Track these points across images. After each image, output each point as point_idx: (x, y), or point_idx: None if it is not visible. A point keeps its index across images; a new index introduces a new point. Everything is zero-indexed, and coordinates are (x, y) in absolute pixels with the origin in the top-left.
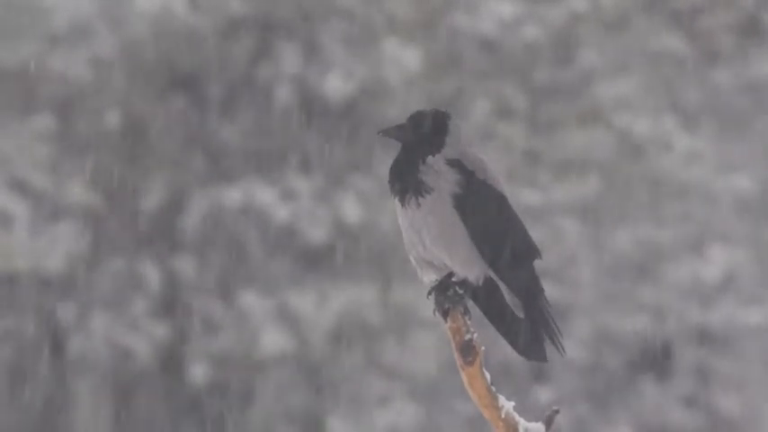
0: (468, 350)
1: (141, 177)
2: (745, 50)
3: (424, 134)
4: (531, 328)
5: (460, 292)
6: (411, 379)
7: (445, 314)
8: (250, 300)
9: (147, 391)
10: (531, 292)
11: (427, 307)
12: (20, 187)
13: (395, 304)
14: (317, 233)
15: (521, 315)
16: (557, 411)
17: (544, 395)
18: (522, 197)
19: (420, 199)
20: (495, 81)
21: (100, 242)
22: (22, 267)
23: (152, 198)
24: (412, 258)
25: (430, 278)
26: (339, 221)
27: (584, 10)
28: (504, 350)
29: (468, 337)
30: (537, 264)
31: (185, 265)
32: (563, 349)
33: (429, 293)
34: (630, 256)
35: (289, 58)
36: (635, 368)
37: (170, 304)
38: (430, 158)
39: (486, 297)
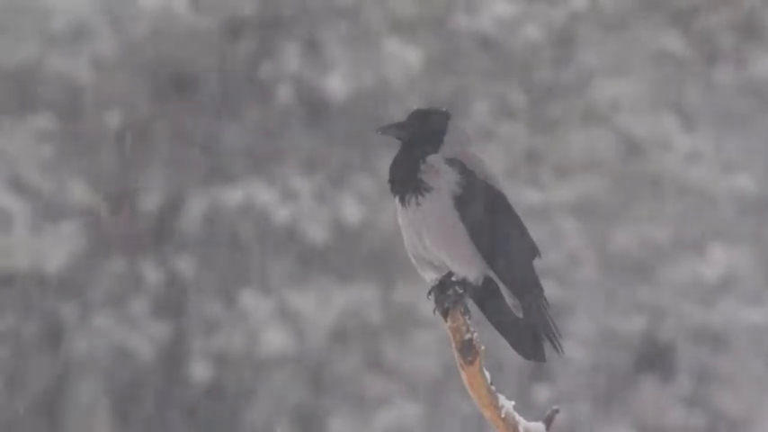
0: (468, 350)
1: (141, 177)
2: (745, 50)
3: (423, 133)
4: (529, 328)
5: (460, 291)
6: (411, 379)
7: (445, 313)
8: (250, 299)
9: (147, 391)
10: (530, 292)
11: (427, 307)
12: (20, 187)
13: (395, 304)
14: (317, 233)
15: (519, 315)
16: (557, 411)
17: (544, 394)
18: (523, 197)
19: (420, 198)
20: (495, 81)
21: (100, 242)
22: (22, 267)
23: (152, 198)
24: (412, 258)
25: (430, 277)
26: (339, 221)
27: (584, 10)
28: (504, 350)
29: (468, 336)
30: (537, 264)
31: (185, 265)
32: (561, 349)
33: (429, 293)
34: (630, 256)
35: (289, 58)
36: (635, 368)
37: (170, 304)
38: (430, 157)
39: (485, 297)
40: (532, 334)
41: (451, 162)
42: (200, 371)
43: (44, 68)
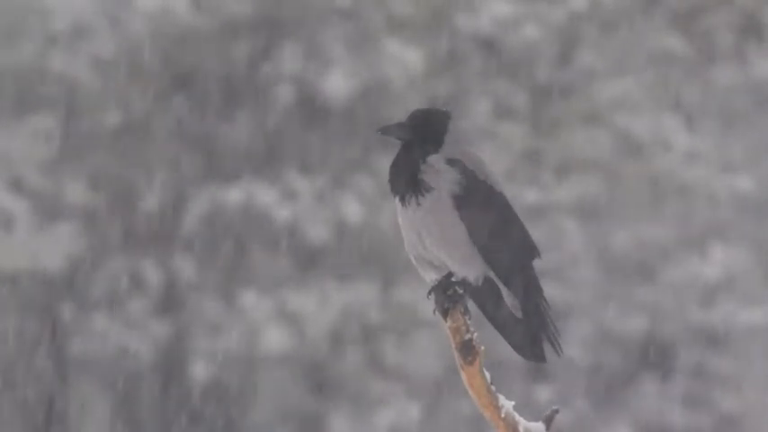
0: (467, 350)
1: (141, 177)
2: (745, 50)
3: (424, 133)
4: (529, 329)
5: (460, 291)
6: (411, 379)
7: (445, 314)
8: (250, 299)
9: (147, 391)
10: (529, 293)
11: (427, 307)
12: (20, 187)
13: (395, 304)
14: (317, 233)
15: (519, 315)
16: (557, 411)
17: (544, 395)
18: (522, 197)
19: (420, 198)
20: (495, 81)
21: (100, 242)
22: (23, 267)
23: (152, 198)
24: (412, 258)
25: (430, 277)
26: (339, 221)
27: (584, 10)
28: (504, 349)
29: (467, 336)
30: (537, 264)
31: (185, 265)
32: (560, 349)
33: (429, 293)
34: (630, 256)
35: (289, 58)
36: (635, 368)
37: (170, 304)
38: (430, 158)
39: (485, 297)
40: (532, 334)
41: (452, 162)
42: (200, 371)
43: (44, 68)
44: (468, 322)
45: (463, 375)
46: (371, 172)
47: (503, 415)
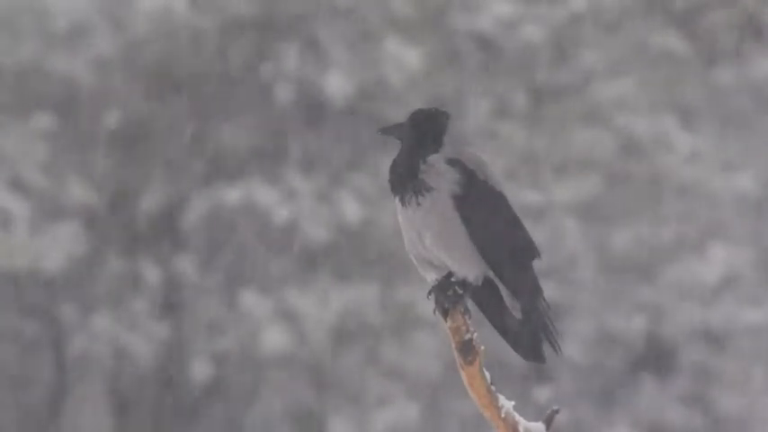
0: (467, 350)
1: (141, 177)
2: (746, 50)
3: (424, 133)
4: (528, 329)
5: (460, 291)
6: (411, 379)
7: (445, 314)
8: (250, 299)
9: (148, 392)
10: (529, 293)
11: (427, 307)
12: (20, 187)
13: (395, 304)
14: (317, 233)
15: (518, 315)
16: (557, 411)
17: (544, 395)
18: (522, 197)
19: (420, 198)
20: (495, 81)
21: (100, 242)
22: (23, 267)
23: (152, 198)
24: (412, 258)
25: (431, 277)
26: (339, 221)
27: (584, 10)
28: (504, 350)
29: (467, 336)
30: (537, 264)
31: (185, 265)
32: (559, 348)
33: (429, 293)
34: (630, 256)
35: (289, 58)
36: (635, 368)
37: (170, 304)
38: (430, 158)
39: (485, 297)
40: (532, 335)
41: (452, 162)
42: (200, 371)
43: (44, 68)
44: (468, 322)
45: (463, 375)
46: (371, 172)
47: (503, 415)
